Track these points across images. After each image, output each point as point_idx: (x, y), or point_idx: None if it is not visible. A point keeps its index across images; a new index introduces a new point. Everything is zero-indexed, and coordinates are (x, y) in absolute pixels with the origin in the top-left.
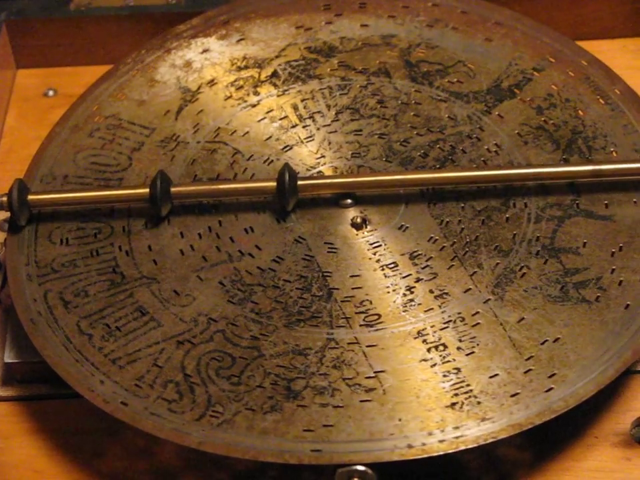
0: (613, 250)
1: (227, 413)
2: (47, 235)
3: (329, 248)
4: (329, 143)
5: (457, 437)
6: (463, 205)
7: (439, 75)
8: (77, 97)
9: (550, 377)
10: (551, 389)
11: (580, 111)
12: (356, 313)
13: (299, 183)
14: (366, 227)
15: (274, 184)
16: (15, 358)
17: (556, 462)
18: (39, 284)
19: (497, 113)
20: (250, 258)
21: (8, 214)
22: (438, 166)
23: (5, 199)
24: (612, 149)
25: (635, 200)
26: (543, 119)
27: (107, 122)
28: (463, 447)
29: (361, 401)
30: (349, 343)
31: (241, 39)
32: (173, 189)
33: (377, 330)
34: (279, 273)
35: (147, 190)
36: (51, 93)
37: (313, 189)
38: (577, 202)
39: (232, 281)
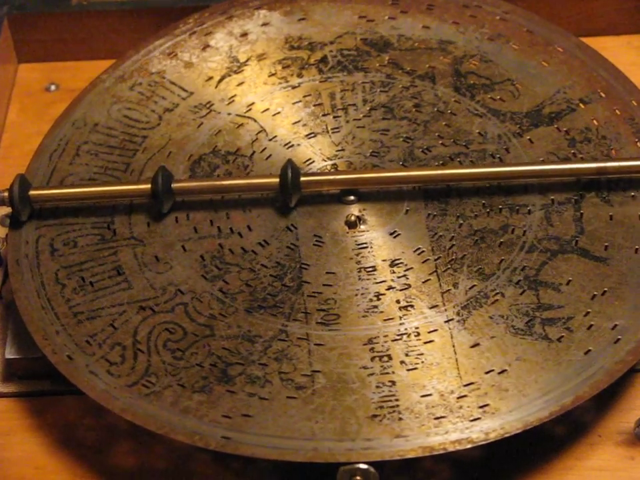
0: (595, 293)
1: (158, 385)
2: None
3: (316, 241)
4: (353, 138)
5: (365, 449)
6: (461, 222)
7: (484, 89)
8: (79, 91)
9: (481, 407)
10: (477, 418)
11: (613, 151)
12: (317, 309)
13: (302, 179)
14: (359, 227)
15: (277, 180)
16: (16, 354)
17: (559, 460)
18: (35, 227)
19: (528, 137)
20: (238, 237)
21: (9, 209)
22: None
23: (6, 194)
24: (632, 193)
25: (637, 247)
26: (572, 151)
27: (151, 78)
28: (363, 460)
29: (288, 397)
30: (298, 338)
31: (303, 19)
32: (174, 185)
33: (330, 330)
34: (260, 257)
35: (149, 186)
36: (52, 87)
37: (315, 185)
38: (577, 238)
39: (213, 256)
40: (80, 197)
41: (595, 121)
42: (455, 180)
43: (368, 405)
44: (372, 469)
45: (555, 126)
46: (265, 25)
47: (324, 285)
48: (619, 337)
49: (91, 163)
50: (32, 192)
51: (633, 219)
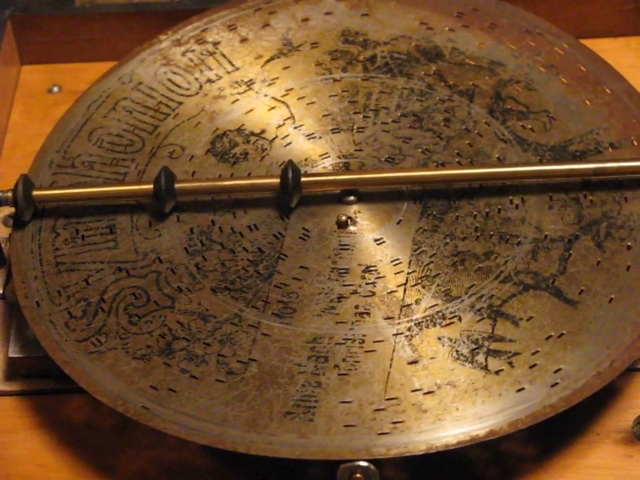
0: (552, 334)
1: (104, 345)
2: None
3: (303, 234)
4: (374, 140)
5: (266, 443)
6: (448, 241)
7: (518, 116)
8: (81, 93)
9: (394, 422)
10: (385, 433)
11: (625, 199)
12: (278, 300)
13: (302, 179)
14: (348, 228)
15: (277, 180)
16: (19, 353)
17: (558, 459)
18: (52, 173)
19: None
20: (231, 217)
21: (13, 209)
22: (454, 197)
23: (10, 194)
24: (629, 243)
25: (612, 297)
26: (583, 192)
27: (205, 47)
28: (253, 453)
29: (216, 380)
30: (249, 325)
31: (365, 15)
32: (177, 185)
33: (282, 322)
34: (244, 239)
35: (151, 186)
36: (55, 89)
37: (316, 185)
38: (555, 277)
39: (201, 231)
40: (83, 197)
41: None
42: (454, 180)
43: (287, 401)
44: (372, 467)
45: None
46: (328, 13)
47: (293, 278)
48: (558, 381)
49: (123, 119)
50: (35, 192)
51: (620, 269)
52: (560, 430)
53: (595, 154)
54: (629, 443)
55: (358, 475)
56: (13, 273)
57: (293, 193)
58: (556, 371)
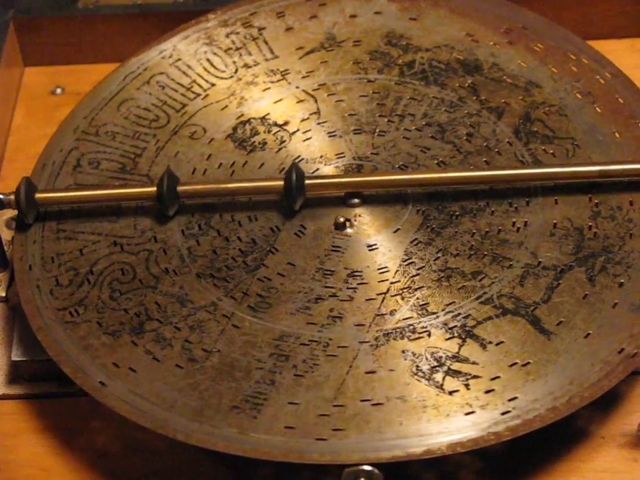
0: (517, 362)
1: (80, 317)
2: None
3: (299, 230)
4: (393, 146)
5: (205, 434)
6: (439, 256)
7: (542, 140)
8: (84, 95)
9: (335, 429)
10: (322, 439)
11: (630, 235)
12: (257, 294)
13: (306, 182)
14: (344, 230)
15: (281, 183)
16: (22, 356)
17: (563, 462)
18: (75, 139)
19: (555, 197)
20: (233, 204)
21: (15, 212)
22: (458, 213)
23: (12, 197)
24: (622, 280)
25: (589, 332)
26: (589, 223)
27: (249, 31)
28: (191, 443)
29: (176, 365)
30: (222, 315)
31: (413, 19)
32: (179, 188)
33: (254, 316)
34: (241, 229)
35: (154, 189)
36: (58, 91)
37: (320, 188)
38: (537, 305)
39: (203, 216)
40: (86, 199)
41: (630, 203)
42: (457, 183)
43: (237, 395)
44: (376, 471)
45: (589, 195)
46: (377, 13)
47: (278, 273)
48: (510, 409)
49: (154, 94)
50: (38, 195)
51: (605, 305)
52: (565, 433)
53: (611, 187)
54: (633, 446)
55: (362, 479)
56: (14, 239)
57: (296, 196)
58: (511, 399)
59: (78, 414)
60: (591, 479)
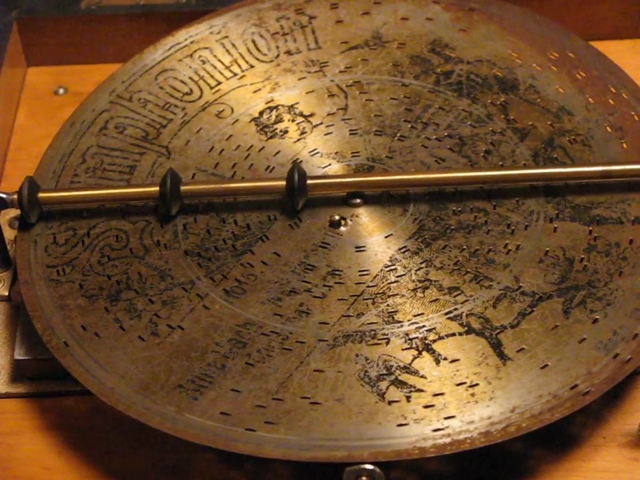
0: (465, 382)
1: (65, 276)
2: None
3: (294, 222)
4: (409, 152)
5: (145, 408)
6: (422, 267)
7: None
8: (87, 95)
9: (267, 422)
10: (252, 430)
11: (619, 273)
12: (235, 278)
13: (308, 182)
14: (338, 228)
15: (283, 183)
16: (25, 355)
17: (563, 462)
18: (110, 101)
19: (556, 225)
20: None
21: (18, 211)
22: (453, 227)
23: (15, 196)
24: (597, 317)
25: (547, 364)
26: (582, 256)
27: (300, 18)
28: (129, 414)
29: (139, 337)
30: (197, 294)
31: (463, 30)
32: (182, 188)
33: (226, 300)
34: (239, 213)
35: (157, 189)
36: (61, 91)
37: (322, 188)
38: (502, 330)
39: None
40: (88, 199)
41: (630, 241)
42: (458, 183)
43: (185, 374)
44: (378, 470)
45: (590, 227)
46: (428, 19)
47: (261, 261)
48: (443, 427)
49: (194, 67)
50: (41, 194)
51: (573, 339)
52: (566, 433)
53: (615, 223)
54: (634, 446)
55: (364, 478)
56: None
57: (298, 197)
58: (447, 417)
59: (80, 412)
60: (592, 479)
